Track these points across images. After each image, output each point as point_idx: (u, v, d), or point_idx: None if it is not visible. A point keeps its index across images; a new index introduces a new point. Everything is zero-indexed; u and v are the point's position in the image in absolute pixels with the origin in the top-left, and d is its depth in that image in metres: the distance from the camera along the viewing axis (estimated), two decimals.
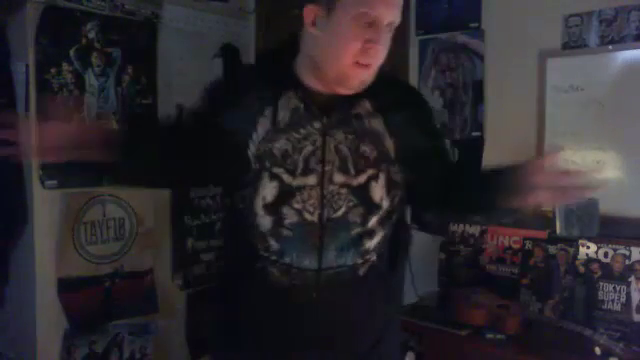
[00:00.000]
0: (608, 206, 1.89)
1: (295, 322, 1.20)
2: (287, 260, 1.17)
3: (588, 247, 1.88)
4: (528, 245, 2.03)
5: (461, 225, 2.22)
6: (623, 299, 1.80)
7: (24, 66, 2.01)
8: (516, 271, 2.06)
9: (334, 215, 1.16)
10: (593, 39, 1.95)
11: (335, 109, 1.17)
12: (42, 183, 2.05)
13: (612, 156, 1.93)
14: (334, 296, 1.19)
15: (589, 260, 1.88)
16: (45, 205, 2.07)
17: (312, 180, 1.15)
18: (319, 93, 1.18)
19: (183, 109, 1.38)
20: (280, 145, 1.15)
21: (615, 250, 1.83)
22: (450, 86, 2.34)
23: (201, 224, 2.59)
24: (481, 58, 2.23)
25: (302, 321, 1.20)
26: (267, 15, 2.81)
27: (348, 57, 1.10)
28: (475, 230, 2.18)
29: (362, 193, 1.18)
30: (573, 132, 2.01)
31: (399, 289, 1.38)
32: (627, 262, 1.81)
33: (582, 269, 1.89)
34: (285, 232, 1.16)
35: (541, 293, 1.98)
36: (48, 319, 2.08)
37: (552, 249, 1.97)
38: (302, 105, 1.16)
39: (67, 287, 2.12)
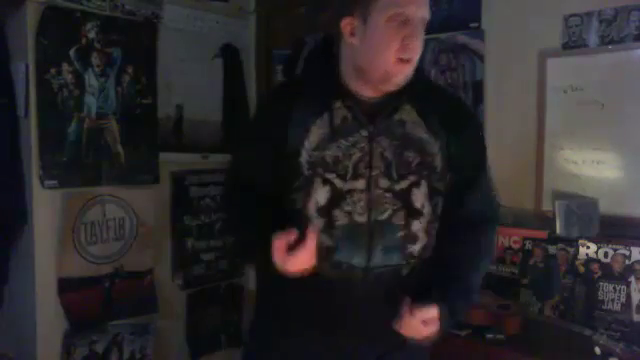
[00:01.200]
0: (608, 206, 1.89)
1: (339, 314, 1.27)
2: (337, 257, 1.24)
3: (588, 247, 1.88)
4: (528, 245, 2.03)
5: None
6: (623, 299, 1.80)
7: (24, 66, 2.01)
8: (516, 271, 2.06)
9: (380, 217, 1.24)
10: (593, 39, 1.95)
11: (380, 116, 1.24)
12: (42, 183, 2.06)
13: (612, 156, 1.93)
14: (378, 292, 1.26)
15: (589, 260, 1.88)
16: (45, 205, 2.08)
17: (361, 184, 1.23)
18: (365, 100, 1.25)
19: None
20: (331, 152, 1.23)
21: (615, 250, 1.83)
22: (450, 86, 2.34)
23: (201, 224, 2.59)
24: (481, 58, 2.23)
25: (345, 313, 1.27)
26: (267, 15, 2.81)
27: (390, 56, 1.18)
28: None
29: (404, 198, 1.25)
30: (573, 132, 2.01)
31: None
32: (627, 262, 1.81)
33: (582, 269, 1.89)
34: (336, 232, 1.23)
35: (541, 293, 1.98)
36: (48, 319, 2.09)
37: (552, 249, 1.97)
38: (350, 114, 1.24)
39: (67, 287, 2.12)
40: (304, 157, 1.23)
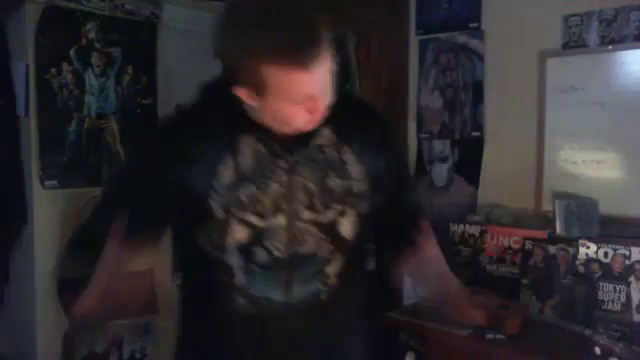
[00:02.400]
0: (608, 206, 1.89)
1: (259, 349, 1.22)
2: (255, 292, 1.17)
3: (588, 247, 1.88)
4: (528, 245, 2.03)
5: (461, 225, 2.22)
6: (623, 299, 1.80)
7: (24, 66, 2.01)
8: (516, 271, 2.06)
9: (302, 251, 1.17)
10: (593, 39, 1.95)
11: (297, 144, 1.14)
12: (42, 183, 2.05)
13: (612, 156, 1.93)
14: (300, 323, 1.20)
15: (589, 260, 1.88)
16: (45, 205, 2.08)
17: (281, 220, 1.15)
18: (277, 133, 1.13)
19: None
20: (246, 191, 1.12)
21: (615, 250, 1.83)
22: (450, 86, 2.34)
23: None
24: (481, 58, 2.23)
25: (264, 348, 1.21)
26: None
27: (294, 119, 1.07)
28: (475, 230, 2.18)
29: (331, 230, 1.18)
30: (573, 132, 2.01)
31: (359, 307, 1.36)
32: (627, 262, 1.81)
33: (582, 269, 1.89)
34: (255, 268, 1.16)
35: (541, 293, 1.98)
36: (48, 319, 2.08)
37: (552, 249, 1.97)
38: (264, 147, 1.14)
39: (67, 287, 2.12)
40: (215, 199, 1.12)
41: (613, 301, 1.82)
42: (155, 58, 2.37)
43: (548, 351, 1.73)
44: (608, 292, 1.83)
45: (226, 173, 1.12)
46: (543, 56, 2.06)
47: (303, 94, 1.02)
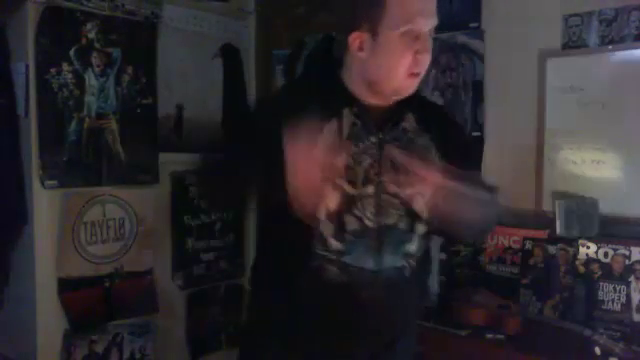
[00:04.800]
0: (608, 206, 1.89)
1: (346, 316, 1.28)
2: (347, 260, 1.25)
3: (588, 247, 1.88)
4: (528, 245, 2.03)
5: None
6: (623, 299, 1.80)
7: (24, 66, 2.01)
8: (516, 271, 2.06)
9: (388, 221, 1.27)
10: (593, 39, 1.95)
11: (387, 124, 1.27)
12: (42, 183, 2.06)
13: (612, 156, 1.93)
14: (385, 294, 1.29)
15: (589, 260, 1.88)
16: (45, 205, 2.08)
17: (370, 190, 1.25)
18: (372, 108, 1.27)
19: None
20: (342, 159, 1.22)
21: (615, 250, 1.83)
22: (450, 86, 2.34)
23: (201, 224, 2.59)
24: (481, 58, 2.23)
25: (352, 316, 1.28)
26: (267, 15, 2.81)
27: (402, 71, 1.20)
28: None
29: (409, 204, 1.27)
30: (573, 132, 2.01)
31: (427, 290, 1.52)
32: (627, 262, 1.81)
33: (582, 269, 1.89)
34: (346, 236, 1.25)
35: (541, 293, 1.98)
36: (48, 319, 2.09)
37: (552, 249, 1.97)
38: (359, 121, 1.25)
39: (67, 287, 2.12)
40: None
41: (613, 301, 1.82)
42: (155, 58, 2.37)
43: (548, 351, 1.73)
44: (608, 292, 1.83)
45: (324, 139, 1.20)
46: (543, 56, 2.06)
47: (418, 15, 1.17)
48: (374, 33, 1.18)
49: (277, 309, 1.35)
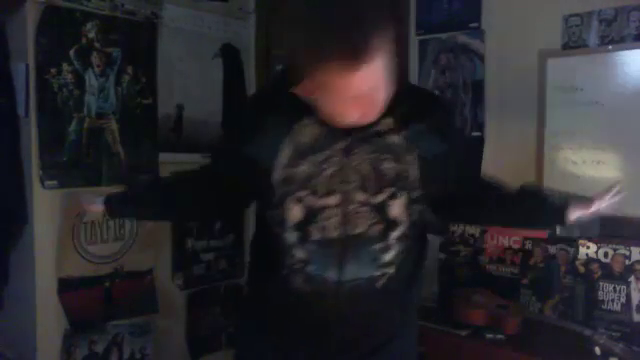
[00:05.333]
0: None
1: (313, 326, 1.28)
2: (310, 270, 1.24)
3: (588, 247, 1.88)
4: (528, 245, 2.03)
5: (461, 225, 2.22)
6: (623, 299, 1.80)
7: (24, 66, 2.01)
8: (516, 271, 2.06)
9: (355, 232, 1.22)
10: (593, 39, 1.95)
11: (356, 128, 1.18)
12: (42, 183, 2.05)
13: (612, 156, 1.93)
14: (352, 306, 1.26)
15: (589, 260, 1.88)
16: (45, 205, 2.07)
17: (334, 200, 1.20)
18: None
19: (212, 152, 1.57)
20: (303, 169, 1.19)
21: (615, 250, 1.83)
22: (450, 86, 2.34)
23: (201, 224, 2.59)
24: (481, 58, 2.23)
25: (320, 325, 1.28)
26: (267, 15, 2.81)
27: (351, 118, 1.12)
28: (475, 230, 2.18)
29: (381, 210, 1.22)
30: (573, 132, 2.01)
31: (417, 297, 1.44)
32: (627, 262, 1.81)
33: (582, 269, 1.89)
34: (310, 246, 1.23)
35: (541, 293, 1.98)
36: (48, 319, 2.08)
37: (552, 249, 1.97)
38: (323, 128, 1.19)
39: (67, 287, 2.12)
40: (275, 176, 1.21)
41: (613, 301, 1.82)
42: (155, 58, 2.37)
43: (548, 351, 1.73)
44: (608, 292, 1.83)
45: (286, 150, 1.20)
46: (543, 56, 2.06)
47: (352, 95, 1.05)
48: (316, 93, 1.09)
49: (260, 312, 1.38)
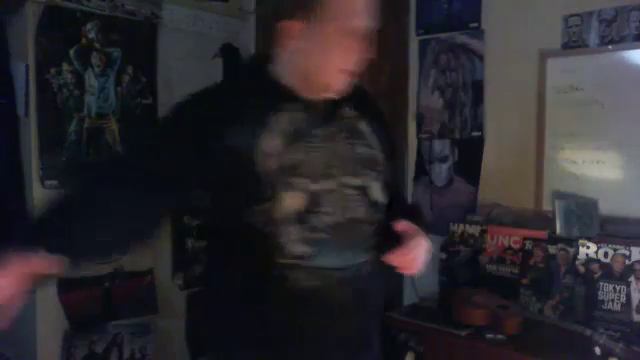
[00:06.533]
0: (608, 206, 1.89)
1: (312, 320, 1.22)
2: (316, 262, 1.18)
3: (588, 247, 1.88)
4: (528, 245, 2.03)
5: (461, 225, 2.22)
6: (623, 299, 1.80)
7: (24, 66, 2.01)
8: (516, 271, 2.06)
9: (353, 215, 1.21)
10: (593, 39, 1.95)
11: (329, 115, 1.22)
12: (42, 183, 2.05)
13: (612, 156, 1.93)
14: (349, 293, 1.23)
15: (589, 260, 1.88)
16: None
17: (330, 184, 1.19)
18: (312, 102, 1.22)
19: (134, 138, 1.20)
20: (292, 156, 1.16)
21: (615, 250, 1.83)
22: (450, 86, 2.34)
23: (201, 224, 2.59)
24: (481, 58, 2.23)
25: (318, 321, 1.22)
26: (267, 15, 2.81)
27: (332, 66, 1.17)
28: (475, 230, 2.18)
29: (366, 193, 1.23)
30: (573, 132, 2.01)
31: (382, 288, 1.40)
32: (627, 262, 1.81)
33: (582, 269, 1.89)
34: (311, 235, 1.17)
35: (541, 293, 1.98)
36: (48, 319, 2.08)
37: (552, 249, 1.97)
38: (302, 116, 1.19)
39: (67, 287, 2.12)
40: (261, 165, 1.14)
41: (613, 301, 1.82)
42: (155, 58, 2.37)
43: (548, 351, 1.73)
44: (608, 292, 1.83)
45: (268, 139, 1.15)
46: (543, 56, 2.06)
47: (355, 12, 1.13)
48: (310, 22, 1.14)
49: (242, 323, 1.25)
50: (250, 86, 1.24)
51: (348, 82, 1.20)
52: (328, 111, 1.23)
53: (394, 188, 1.38)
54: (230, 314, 1.28)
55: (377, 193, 1.25)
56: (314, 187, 1.17)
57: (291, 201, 1.15)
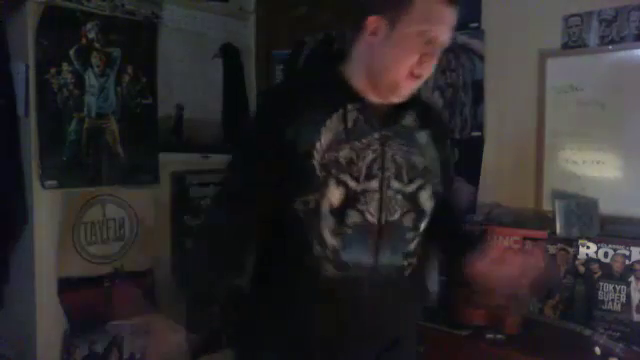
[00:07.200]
0: (608, 206, 1.89)
1: (342, 315, 1.28)
2: (344, 256, 1.25)
3: (588, 247, 1.88)
4: (528, 245, 2.03)
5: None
6: (623, 299, 1.80)
7: (24, 66, 2.01)
8: None
9: (391, 218, 1.26)
10: (593, 39, 1.95)
11: (389, 121, 1.28)
12: (42, 183, 2.06)
13: (612, 156, 1.93)
14: (384, 292, 1.28)
15: (589, 260, 1.88)
16: (45, 205, 2.08)
17: (374, 185, 1.25)
18: (374, 104, 1.27)
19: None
20: (345, 154, 1.23)
21: (615, 250, 1.83)
22: (450, 86, 2.34)
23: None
24: (481, 58, 2.23)
25: (348, 314, 1.28)
26: (267, 15, 2.81)
27: (405, 68, 1.21)
28: (475, 230, 2.18)
29: (413, 200, 1.29)
30: (573, 132, 2.01)
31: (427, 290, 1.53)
32: (627, 262, 1.81)
33: (582, 269, 1.89)
34: (347, 231, 1.24)
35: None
36: (48, 319, 2.09)
37: (552, 249, 1.97)
38: (361, 116, 1.25)
39: (67, 287, 2.12)
40: (316, 159, 1.22)
41: (613, 301, 1.82)
42: (155, 58, 2.37)
43: (548, 351, 1.73)
44: (608, 292, 1.83)
45: (327, 135, 1.22)
46: (543, 56, 2.06)
47: (439, 22, 1.19)
48: (394, 23, 1.19)
49: (276, 312, 1.35)
50: (318, 84, 1.30)
51: (414, 88, 1.26)
52: (389, 116, 1.28)
53: (447, 202, 1.42)
54: (268, 303, 1.39)
55: (425, 201, 1.30)
56: (355, 186, 1.23)
57: (332, 195, 1.22)
